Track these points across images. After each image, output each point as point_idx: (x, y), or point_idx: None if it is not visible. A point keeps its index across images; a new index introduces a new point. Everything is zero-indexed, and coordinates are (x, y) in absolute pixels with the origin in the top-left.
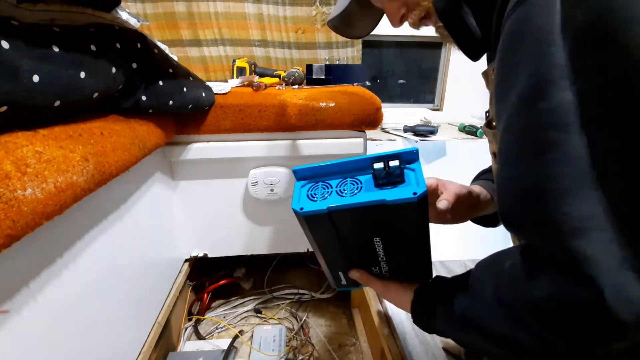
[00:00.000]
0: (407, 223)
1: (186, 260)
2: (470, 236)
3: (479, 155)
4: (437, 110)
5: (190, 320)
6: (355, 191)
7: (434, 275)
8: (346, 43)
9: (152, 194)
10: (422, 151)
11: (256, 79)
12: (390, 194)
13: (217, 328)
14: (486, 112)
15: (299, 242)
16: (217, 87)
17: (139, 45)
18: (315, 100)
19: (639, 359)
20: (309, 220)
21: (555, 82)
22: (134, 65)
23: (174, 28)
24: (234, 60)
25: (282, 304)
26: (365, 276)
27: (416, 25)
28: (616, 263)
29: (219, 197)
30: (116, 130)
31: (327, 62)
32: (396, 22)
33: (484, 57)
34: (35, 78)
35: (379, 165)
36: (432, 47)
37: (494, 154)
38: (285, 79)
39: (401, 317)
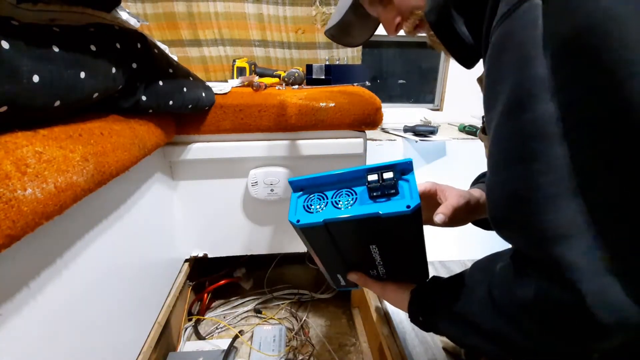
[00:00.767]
0: (401, 233)
1: (186, 260)
2: (469, 236)
3: (479, 155)
4: (437, 110)
5: (190, 320)
6: (351, 202)
7: (431, 275)
8: None
9: (152, 194)
10: (422, 151)
11: (256, 79)
12: (384, 207)
13: (217, 328)
14: (482, 117)
15: (299, 242)
16: (217, 87)
17: (139, 46)
18: (315, 100)
19: (633, 357)
20: (306, 232)
21: (537, 95)
22: (134, 66)
23: (174, 28)
24: (234, 61)
25: (282, 304)
26: (363, 278)
27: (411, 33)
28: (596, 268)
29: (218, 197)
30: (116, 131)
31: (327, 62)
32: (392, 30)
33: (481, 62)
34: (36, 78)
35: (373, 178)
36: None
37: None
38: (285, 79)
39: (401, 316)
